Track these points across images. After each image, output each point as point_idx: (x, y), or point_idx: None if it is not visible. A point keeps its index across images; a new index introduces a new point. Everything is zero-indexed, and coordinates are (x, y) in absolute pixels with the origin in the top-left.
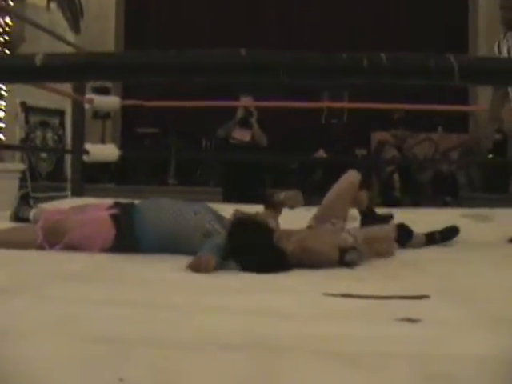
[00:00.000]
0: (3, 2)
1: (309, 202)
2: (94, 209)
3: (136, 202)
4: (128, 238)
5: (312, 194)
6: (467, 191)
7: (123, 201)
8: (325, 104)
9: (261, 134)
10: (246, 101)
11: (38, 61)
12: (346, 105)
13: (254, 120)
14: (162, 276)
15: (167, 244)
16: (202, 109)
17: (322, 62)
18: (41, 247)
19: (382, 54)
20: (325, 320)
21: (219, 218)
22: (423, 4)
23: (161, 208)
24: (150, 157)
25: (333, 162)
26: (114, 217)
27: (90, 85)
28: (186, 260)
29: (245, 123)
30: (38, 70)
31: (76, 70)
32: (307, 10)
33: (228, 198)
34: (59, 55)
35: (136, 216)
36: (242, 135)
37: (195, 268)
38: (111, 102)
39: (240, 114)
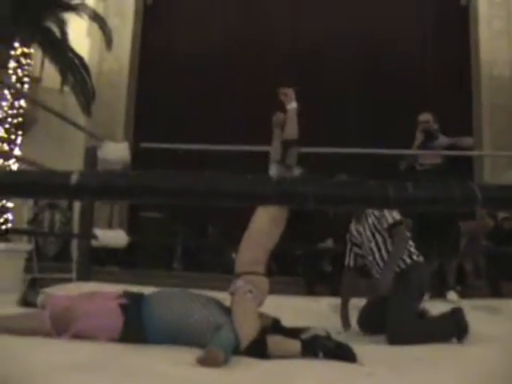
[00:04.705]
0: (19, 85)
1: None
2: (103, 297)
3: (145, 291)
4: (136, 329)
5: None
6: (473, 279)
7: (130, 287)
8: None
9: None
10: None
11: (72, 180)
12: None
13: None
14: (169, 370)
15: (175, 336)
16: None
17: (349, 191)
18: (48, 335)
19: (409, 184)
20: None
21: (226, 310)
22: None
23: (170, 300)
24: (157, 242)
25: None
26: (122, 307)
27: None
28: (193, 353)
29: (428, 142)
30: (73, 189)
31: (112, 190)
32: None
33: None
34: (93, 174)
35: (145, 307)
36: (430, 157)
37: (204, 362)
38: None
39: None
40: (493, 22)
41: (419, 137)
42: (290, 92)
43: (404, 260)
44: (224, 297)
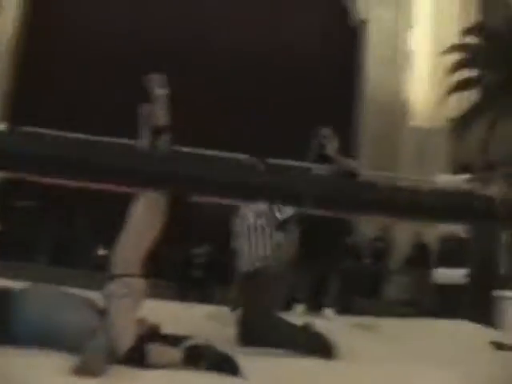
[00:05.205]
0: None
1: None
2: None
3: (14, 288)
4: (2, 329)
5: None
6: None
7: None
8: None
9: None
10: None
11: None
12: None
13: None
14: (42, 379)
15: (46, 339)
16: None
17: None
18: None
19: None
20: None
21: (101, 313)
22: None
23: (41, 299)
24: (22, 233)
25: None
26: None
27: None
28: (66, 359)
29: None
30: None
31: None
32: None
33: None
34: None
35: (14, 306)
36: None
37: (80, 372)
38: None
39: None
40: (379, 48)
41: (315, 149)
42: (156, 78)
43: (267, 258)
44: (95, 296)
